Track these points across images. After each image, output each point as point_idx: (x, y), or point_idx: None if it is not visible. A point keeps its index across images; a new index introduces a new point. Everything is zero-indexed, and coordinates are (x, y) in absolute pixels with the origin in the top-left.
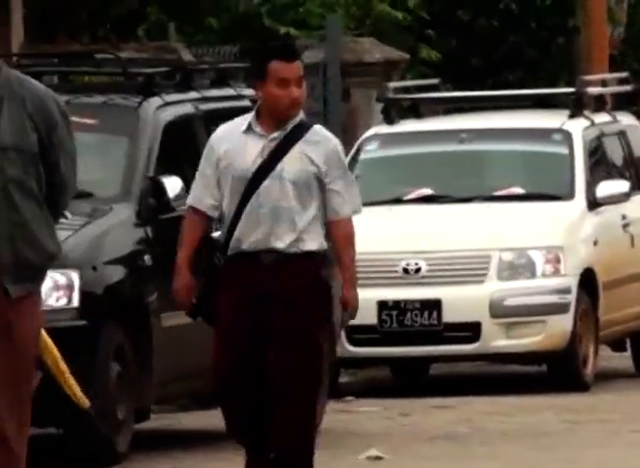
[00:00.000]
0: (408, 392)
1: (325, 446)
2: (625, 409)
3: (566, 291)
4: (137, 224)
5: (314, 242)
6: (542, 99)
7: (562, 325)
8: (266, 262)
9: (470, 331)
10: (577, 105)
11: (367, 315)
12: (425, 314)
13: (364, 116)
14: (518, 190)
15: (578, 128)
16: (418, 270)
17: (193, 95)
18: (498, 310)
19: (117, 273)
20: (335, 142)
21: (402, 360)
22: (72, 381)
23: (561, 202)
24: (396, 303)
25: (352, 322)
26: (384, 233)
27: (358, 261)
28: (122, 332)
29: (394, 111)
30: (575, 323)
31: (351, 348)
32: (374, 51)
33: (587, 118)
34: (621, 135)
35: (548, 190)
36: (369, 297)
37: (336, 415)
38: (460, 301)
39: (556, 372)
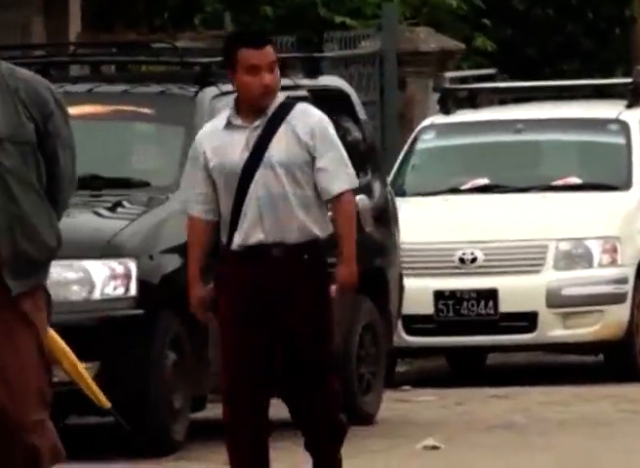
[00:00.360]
0: (464, 381)
1: (382, 435)
2: None
3: (623, 281)
4: None
5: (317, 226)
6: (599, 89)
7: (619, 315)
8: (275, 255)
9: (527, 320)
10: (634, 95)
11: (423, 304)
12: (482, 304)
13: (420, 105)
14: (575, 180)
15: (635, 118)
16: (474, 260)
17: None
18: (554, 300)
19: (174, 262)
20: (319, 117)
21: (458, 349)
22: (91, 382)
23: (618, 192)
24: (452, 293)
25: (409, 311)
26: (441, 223)
27: (415, 251)
28: (178, 322)
29: (451, 101)
30: (632, 313)
31: (408, 338)
32: (430, 40)
33: None
34: None
35: (605, 180)
36: (425, 287)
37: (392, 404)
38: (516, 291)
39: (613, 362)
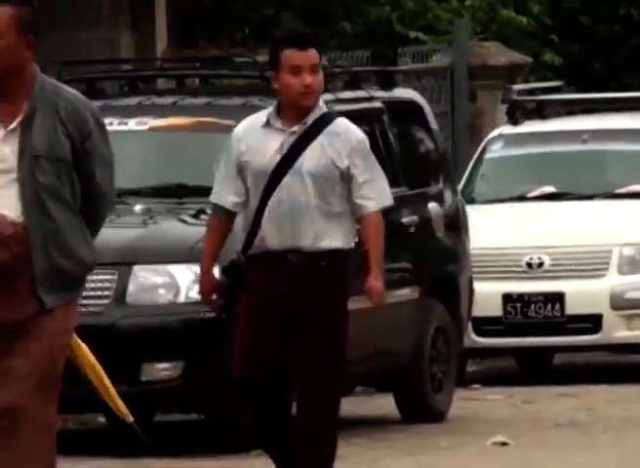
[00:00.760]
0: (531, 380)
1: (453, 431)
2: None
3: None
4: None
5: (337, 240)
6: None
7: None
8: (292, 262)
9: (592, 322)
10: None
11: (492, 307)
12: (549, 306)
13: (489, 117)
14: (638, 188)
15: None
16: (541, 264)
17: (328, 96)
18: (618, 302)
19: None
20: (358, 134)
21: (526, 350)
22: (115, 395)
23: None
24: (520, 296)
25: (479, 313)
26: (509, 229)
27: (485, 256)
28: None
29: (519, 112)
30: None
31: (478, 339)
32: (499, 54)
33: None
34: None
35: None
36: (494, 290)
37: (463, 403)
38: (582, 294)
39: None
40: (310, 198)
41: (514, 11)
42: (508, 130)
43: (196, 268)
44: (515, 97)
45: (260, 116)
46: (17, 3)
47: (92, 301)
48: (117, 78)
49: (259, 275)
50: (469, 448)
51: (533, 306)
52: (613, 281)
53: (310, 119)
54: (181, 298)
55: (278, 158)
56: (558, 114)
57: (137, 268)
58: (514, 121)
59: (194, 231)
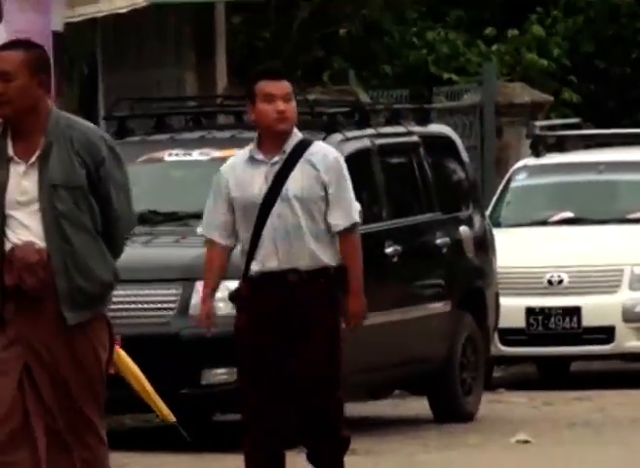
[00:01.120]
0: (551, 385)
1: (480, 430)
2: None
3: None
4: None
5: (326, 257)
6: None
7: None
8: (290, 281)
9: (606, 333)
10: None
11: (516, 319)
12: (567, 319)
13: (514, 150)
14: None
15: None
16: (560, 282)
17: (370, 131)
18: (630, 316)
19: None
20: (334, 153)
21: (546, 358)
22: (157, 398)
23: None
24: (541, 310)
25: (504, 325)
26: (531, 250)
27: (510, 274)
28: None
29: (541, 146)
30: None
31: (503, 348)
32: (523, 94)
33: None
34: None
35: None
36: (518, 305)
37: (489, 405)
38: (596, 308)
39: None
40: (300, 220)
41: (537, 54)
42: (531, 161)
43: None
44: (538, 132)
45: (243, 153)
46: (27, 47)
47: (159, 313)
48: (183, 114)
49: (259, 295)
50: (495, 445)
51: (553, 319)
52: (624, 296)
53: (288, 147)
54: None
55: (265, 189)
56: (576, 147)
57: (198, 283)
58: (537, 154)
59: None
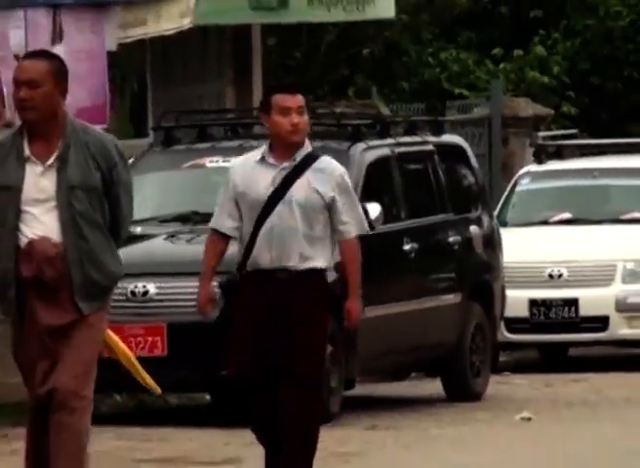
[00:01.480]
0: (551, 369)
1: (488, 408)
2: None
3: None
4: None
5: (321, 259)
6: None
7: None
8: (281, 279)
9: (601, 322)
10: None
11: (520, 309)
12: (566, 309)
13: (519, 158)
14: (637, 215)
15: None
16: (560, 275)
17: (390, 141)
18: (622, 306)
19: (330, 276)
20: (340, 171)
21: (547, 344)
22: (142, 371)
23: None
24: (543, 301)
25: (509, 314)
26: (534, 247)
27: (514, 269)
28: (334, 321)
29: (543, 154)
30: None
31: (508, 335)
32: (527, 108)
33: None
34: None
35: None
36: (522, 296)
37: (496, 386)
38: (592, 299)
39: None
40: (298, 224)
41: (539, 72)
42: (534, 168)
43: None
44: (540, 141)
45: (255, 153)
46: (49, 57)
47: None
48: (222, 125)
49: (252, 290)
50: (501, 422)
51: (553, 309)
52: (618, 289)
53: (299, 156)
54: None
55: (271, 190)
56: (574, 155)
57: None
58: (539, 161)
59: None
